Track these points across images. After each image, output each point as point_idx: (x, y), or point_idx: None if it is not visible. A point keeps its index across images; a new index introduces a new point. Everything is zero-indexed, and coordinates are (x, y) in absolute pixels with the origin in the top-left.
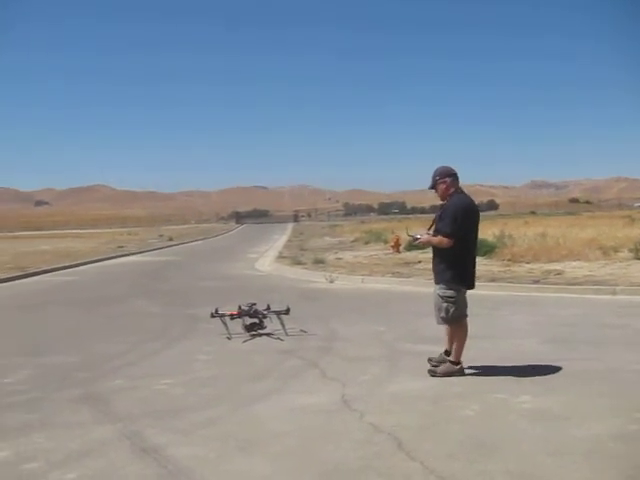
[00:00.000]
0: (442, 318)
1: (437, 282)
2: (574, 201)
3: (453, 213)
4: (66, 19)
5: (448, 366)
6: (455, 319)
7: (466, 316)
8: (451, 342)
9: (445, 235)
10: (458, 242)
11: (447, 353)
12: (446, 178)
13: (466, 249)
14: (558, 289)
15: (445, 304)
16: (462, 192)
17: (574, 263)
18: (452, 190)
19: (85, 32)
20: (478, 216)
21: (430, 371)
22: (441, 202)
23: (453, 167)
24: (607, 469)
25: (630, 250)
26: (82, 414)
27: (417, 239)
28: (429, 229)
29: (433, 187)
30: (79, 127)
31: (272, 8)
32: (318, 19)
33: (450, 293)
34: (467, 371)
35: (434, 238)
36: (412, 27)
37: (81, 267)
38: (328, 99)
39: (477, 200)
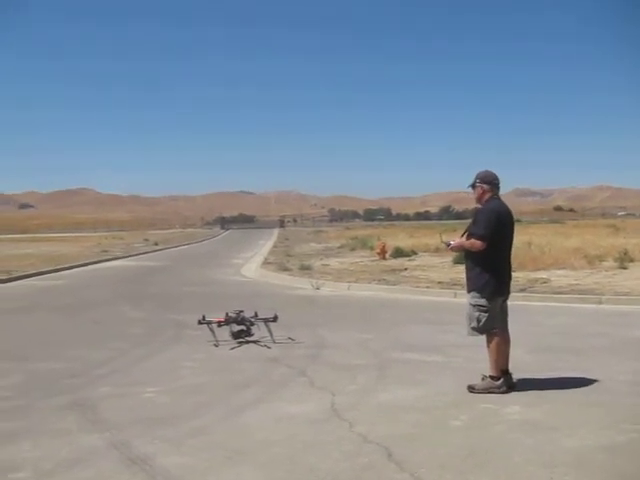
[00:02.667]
0: (473, 328)
1: (469, 290)
2: (558, 209)
3: (486, 217)
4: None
5: (488, 382)
6: (487, 329)
7: (503, 327)
8: (503, 357)
9: (477, 238)
10: (491, 247)
11: (503, 372)
12: (484, 185)
13: (500, 256)
14: (544, 298)
15: (477, 313)
16: (499, 199)
17: (560, 272)
18: (488, 196)
19: (65, 34)
20: (513, 223)
21: (469, 387)
22: (477, 205)
23: (497, 175)
24: None
25: (615, 259)
26: (69, 422)
27: (450, 245)
28: (462, 236)
29: (473, 187)
30: (64, 130)
31: (257, 9)
32: (302, 21)
33: (482, 302)
34: (453, 380)
35: (466, 242)
36: (400, 31)
37: (66, 271)
38: (314, 104)
39: (461, 208)
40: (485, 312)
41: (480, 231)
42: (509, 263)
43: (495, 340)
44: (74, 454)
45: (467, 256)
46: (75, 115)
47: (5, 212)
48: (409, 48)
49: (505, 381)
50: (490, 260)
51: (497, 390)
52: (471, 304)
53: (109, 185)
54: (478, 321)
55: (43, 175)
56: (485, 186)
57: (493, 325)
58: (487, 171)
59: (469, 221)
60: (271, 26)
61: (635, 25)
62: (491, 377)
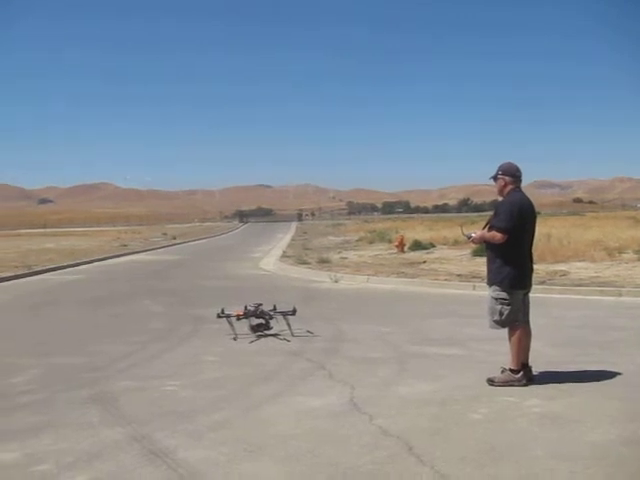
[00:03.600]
0: (495, 321)
1: (490, 284)
2: (578, 201)
3: (508, 208)
4: (70, 17)
5: (508, 375)
6: (509, 322)
7: (524, 320)
8: (523, 351)
9: (498, 230)
10: (512, 240)
11: (523, 365)
12: (506, 177)
13: (520, 248)
14: (564, 290)
15: (499, 306)
16: (521, 191)
17: (579, 264)
18: (510, 188)
19: (92, 29)
20: (534, 216)
21: (488, 380)
22: (498, 198)
23: (519, 167)
24: (619, 474)
25: (635, 251)
26: (91, 415)
27: (470, 237)
28: (484, 228)
29: (494, 179)
30: (84, 125)
31: (278, 5)
32: (320, 18)
33: (504, 295)
34: (473, 374)
35: (487, 233)
36: (417, 27)
37: (86, 265)
38: (333, 97)
39: (480, 200)
40: (507, 305)
41: (501, 223)
42: (530, 256)
43: (517, 333)
44: (96, 447)
45: (488, 248)
46: (95, 110)
47: (25, 207)
48: (430, 43)
49: (525, 374)
50: (511, 253)
51: (517, 383)
52: (493, 297)
53: (128, 180)
54: (500, 314)
55: (63, 170)
56: (507, 178)
57: (515, 318)
58: (509, 163)
59: (488, 214)
60: (289, 23)
61: None
62: (511, 370)
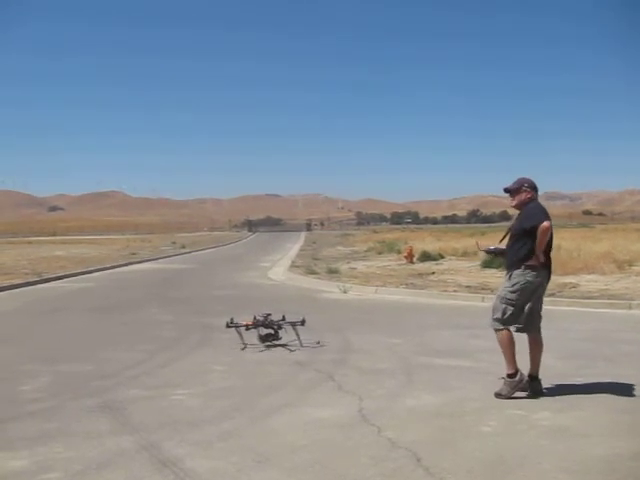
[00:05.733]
0: (495, 319)
1: (510, 269)
2: (587, 213)
3: (539, 206)
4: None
5: (508, 382)
6: (508, 324)
7: (536, 329)
8: (535, 360)
9: (540, 223)
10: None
11: (532, 377)
12: (533, 192)
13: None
14: (573, 302)
15: (503, 305)
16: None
17: (589, 276)
18: (528, 197)
19: (101, 34)
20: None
21: (496, 394)
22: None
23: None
24: None
25: None
26: (100, 424)
27: (490, 250)
28: (501, 241)
29: (510, 191)
30: (94, 133)
31: (284, 14)
32: (328, 28)
33: (511, 296)
34: (482, 386)
35: (539, 233)
36: (427, 36)
37: (96, 273)
38: (343, 107)
39: (489, 212)
40: (511, 306)
41: (542, 216)
42: (550, 260)
43: (504, 336)
44: (104, 456)
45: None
46: (105, 118)
47: (35, 215)
48: (439, 53)
49: (533, 387)
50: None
51: (521, 384)
52: (500, 295)
53: (138, 188)
54: (503, 313)
55: (73, 178)
56: (534, 194)
57: (514, 322)
58: (528, 179)
59: (497, 225)
60: (300, 31)
61: None
62: (508, 375)
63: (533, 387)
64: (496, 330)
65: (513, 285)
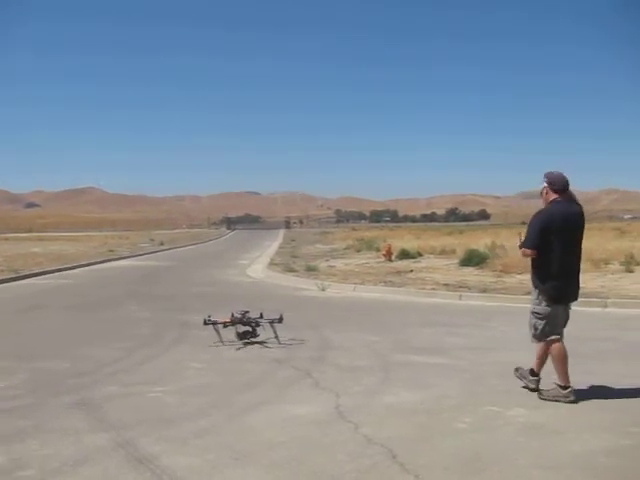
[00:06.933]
0: (533, 336)
1: (532, 296)
2: None
3: (532, 224)
4: (57, 21)
5: (555, 390)
6: (544, 336)
7: (559, 335)
8: (540, 362)
9: (526, 247)
10: (545, 254)
11: (532, 373)
12: (548, 188)
13: (557, 261)
14: None
15: (534, 320)
16: (563, 201)
17: None
18: (551, 198)
19: (74, 33)
20: (574, 226)
21: (538, 393)
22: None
23: (566, 177)
24: None
25: (621, 263)
26: (76, 421)
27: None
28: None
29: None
30: (71, 129)
31: (270, 12)
32: (314, 25)
33: (539, 309)
34: (458, 383)
35: (521, 249)
36: (410, 34)
37: (73, 270)
38: (321, 105)
39: (467, 210)
40: (541, 320)
41: (527, 242)
42: (572, 268)
43: (554, 348)
44: (80, 453)
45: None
46: (82, 114)
47: (12, 211)
48: (422, 51)
49: (535, 382)
50: (545, 267)
51: (563, 399)
52: (530, 311)
53: (115, 184)
54: (535, 328)
55: (50, 174)
56: (547, 188)
57: (552, 332)
58: (554, 173)
59: (475, 223)
60: (282, 30)
61: None
62: (559, 386)
63: (534, 382)
64: (542, 340)
65: (537, 298)
